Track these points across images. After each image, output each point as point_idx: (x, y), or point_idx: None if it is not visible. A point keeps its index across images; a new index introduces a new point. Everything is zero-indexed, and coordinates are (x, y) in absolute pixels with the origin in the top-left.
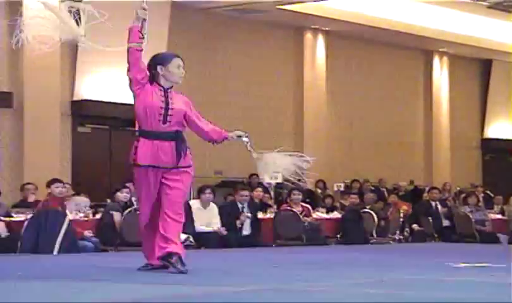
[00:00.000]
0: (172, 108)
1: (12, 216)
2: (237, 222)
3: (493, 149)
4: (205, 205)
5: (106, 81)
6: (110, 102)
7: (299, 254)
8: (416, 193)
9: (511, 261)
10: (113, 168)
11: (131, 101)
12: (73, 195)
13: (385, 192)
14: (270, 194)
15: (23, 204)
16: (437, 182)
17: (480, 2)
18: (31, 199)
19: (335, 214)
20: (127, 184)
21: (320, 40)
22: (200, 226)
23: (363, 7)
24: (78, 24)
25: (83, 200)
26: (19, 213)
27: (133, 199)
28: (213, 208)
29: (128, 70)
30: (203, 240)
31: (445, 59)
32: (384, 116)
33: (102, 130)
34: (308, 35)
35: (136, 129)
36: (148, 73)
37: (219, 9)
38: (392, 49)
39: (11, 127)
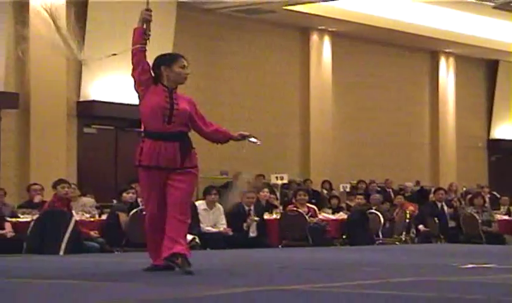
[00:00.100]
0: (176, 109)
1: (18, 217)
2: (244, 225)
3: (500, 150)
4: (210, 206)
5: (112, 82)
6: (116, 103)
7: (305, 255)
8: (422, 194)
9: None
10: (119, 169)
11: (137, 102)
12: (79, 196)
13: (391, 193)
14: (276, 194)
15: (29, 205)
16: (443, 182)
17: (486, 3)
18: (37, 199)
19: (341, 215)
20: (133, 185)
21: (326, 40)
22: (205, 227)
23: (369, 8)
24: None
25: (89, 201)
26: (25, 214)
27: (139, 199)
28: (219, 209)
29: (133, 71)
30: (208, 241)
31: (451, 59)
32: (390, 117)
33: (108, 131)
34: (314, 36)
35: (142, 129)
36: (152, 74)
37: (226, 9)
38: (398, 50)
39: (17, 128)
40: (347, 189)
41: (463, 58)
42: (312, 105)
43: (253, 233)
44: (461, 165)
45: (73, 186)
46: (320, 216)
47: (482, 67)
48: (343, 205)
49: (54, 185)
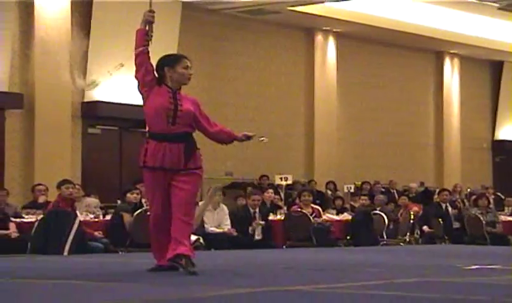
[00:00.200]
0: (180, 110)
1: (21, 217)
2: (250, 229)
3: (504, 151)
4: (215, 206)
5: (116, 83)
6: (120, 103)
7: (309, 255)
8: (427, 195)
9: None
10: (123, 169)
11: (141, 103)
12: (83, 196)
13: (396, 194)
14: (280, 195)
15: (33, 205)
16: (447, 183)
17: (491, 4)
18: (41, 200)
19: (346, 216)
20: (137, 185)
21: (331, 41)
22: (210, 228)
23: (373, 9)
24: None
25: (93, 201)
26: (30, 214)
27: (143, 200)
28: (224, 209)
29: (136, 72)
30: (213, 242)
31: (456, 60)
32: (394, 117)
33: (112, 132)
34: (319, 37)
35: (146, 130)
36: (156, 75)
37: (230, 10)
38: (402, 51)
39: (21, 128)
40: (352, 190)
41: (467, 59)
42: (316, 105)
43: (258, 237)
44: (466, 165)
45: (77, 186)
46: (324, 217)
47: (487, 68)
48: (347, 206)
49: (58, 186)
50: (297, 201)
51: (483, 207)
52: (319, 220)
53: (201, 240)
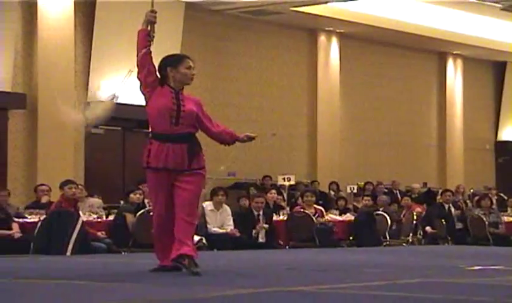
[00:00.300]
0: (183, 110)
1: (24, 217)
2: (253, 232)
3: (507, 152)
4: (217, 207)
5: (120, 83)
6: (123, 103)
7: (312, 256)
8: (430, 195)
9: None
10: (126, 170)
11: (144, 103)
12: (86, 196)
13: (399, 195)
14: (283, 195)
15: (36, 206)
16: (450, 184)
17: (494, 4)
18: (44, 200)
19: (348, 217)
20: (140, 186)
21: (334, 42)
22: (212, 228)
23: (377, 10)
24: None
25: (96, 201)
26: (33, 214)
27: (146, 200)
28: (226, 210)
29: (138, 73)
30: (215, 242)
31: (459, 61)
32: (397, 118)
33: (116, 132)
34: (322, 37)
35: (149, 131)
36: (158, 75)
37: (233, 10)
38: (405, 51)
39: (24, 128)
40: (355, 190)
41: (470, 59)
42: (319, 106)
43: (262, 239)
44: (469, 166)
45: (80, 187)
46: (327, 217)
47: (490, 68)
48: (350, 206)
49: (61, 186)
50: (300, 201)
51: (486, 208)
52: (321, 220)
53: (204, 241)
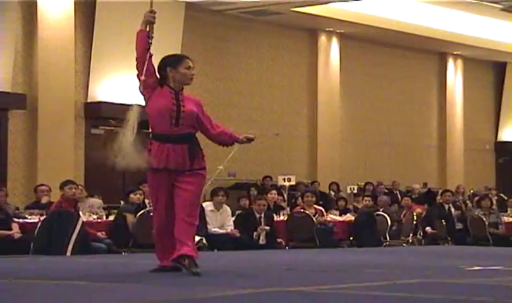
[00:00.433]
0: (183, 111)
1: (23, 218)
2: (255, 234)
3: (507, 152)
4: (218, 207)
5: (120, 83)
6: (124, 104)
7: (312, 256)
8: (430, 196)
9: None
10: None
11: (144, 103)
12: (86, 196)
13: (399, 195)
14: (283, 196)
15: (36, 206)
16: (450, 184)
17: (495, 5)
18: (44, 200)
19: (349, 217)
20: (140, 186)
21: (334, 42)
22: (213, 228)
23: (377, 10)
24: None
25: (97, 201)
26: (33, 215)
27: (146, 201)
28: (227, 210)
29: (138, 74)
30: (216, 242)
31: (459, 61)
32: (397, 118)
33: (116, 132)
34: (322, 38)
35: (149, 131)
36: (157, 76)
37: (234, 11)
38: (406, 52)
39: (24, 128)
40: (355, 191)
41: (470, 60)
42: (320, 106)
43: (262, 242)
44: (469, 167)
45: (80, 187)
46: (327, 218)
47: (490, 69)
48: (350, 207)
49: (61, 186)
50: (300, 201)
51: (486, 209)
52: (321, 219)
53: (204, 241)
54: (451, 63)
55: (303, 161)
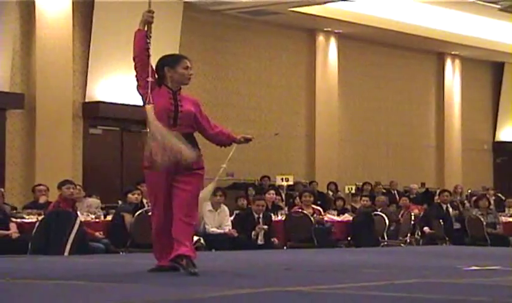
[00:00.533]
0: (181, 111)
1: (23, 217)
2: (253, 234)
3: (505, 152)
4: (216, 207)
5: (118, 83)
6: (121, 104)
7: (310, 256)
8: (428, 196)
9: None
10: (124, 170)
11: (142, 103)
12: (84, 196)
13: (397, 195)
14: (281, 196)
15: (34, 206)
16: (448, 184)
17: (492, 5)
18: (42, 200)
19: (347, 217)
20: (138, 186)
21: (333, 42)
22: (210, 228)
23: (375, 10)
24: None
25: (94, 201)
26: (31, 214)
27: (144, 200)
28: (225, 210)
29: (136, 74)
30: (213, 242)
31: (457, 61)
32: (395, 118)
33: (114, 132)
34: (321, 38)
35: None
36: (156, 76)
37: (232, 11)
38: (404, 52)
39: (22, 128)
40: (353, 191)
41: (468, 60)
42: (318, 106)
43: (260, 242)
44: (467, 167)
45: (78, 187)
46: (325, 218)
47: (488, 69)
48: (348, 207)
49: (59, 186)
50: (298, 201)
51: (483, 209)
52: (318, 217)
53: (202, 241)
54: (449, 63)
55: (301, 161)
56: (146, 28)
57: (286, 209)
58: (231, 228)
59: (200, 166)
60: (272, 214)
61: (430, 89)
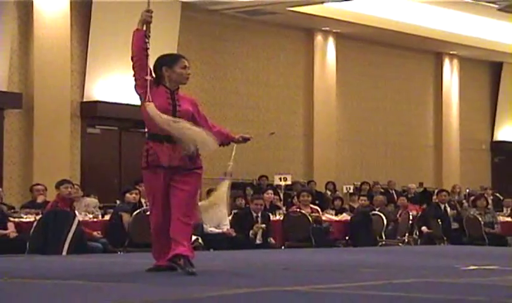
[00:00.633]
0: (179, 110)
1: (21, 217)
2: (251, 233)
3: (503, 152)
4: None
5: (116, 83)
6: (120, 103)
7: (308, 256)
8: (426, 195)
9: None
10: (122, 169)
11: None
12: (82, 196)
13: (395, 194)
14: (279, 195)
15: (32, 205)
16: (446, 184)
17: (491, 5)
18: (40, 200)
19: (345, 216)
20: (137, 185)
21: (331, 42)
22: (208, 228)
23: (373, 10)
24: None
25: (92, 201)
26: (28, 214)
27: (143, 200)
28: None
29: (134, 74)
30: (211, 242)
31: (455, 61)
32: (393, 118)
33: (112, 132)
34: (319, 37)
35: (146, 131)
36: (153, 75)
37: (230, 10)
38: (402, 51)
39: (20, 128)
40: (351, 190)
41: (467, 60)
42: (316, 106)
43: (258, 241)
44: (465, 166)
45: (76, 186)
46: (323, 217)
47: (486, 69)
48: (346, 206)
49: (57, 186)
50: (296, 201)
51: (481, 208)
52: (315, 215)
53: (200, 240)
54: (447, 63)
55: (299, 161)
56: (145, 28)
57: (284, 208)
58: (229, 227)
59: (198, 165)
60: (270, 214)
61: (428, 89)
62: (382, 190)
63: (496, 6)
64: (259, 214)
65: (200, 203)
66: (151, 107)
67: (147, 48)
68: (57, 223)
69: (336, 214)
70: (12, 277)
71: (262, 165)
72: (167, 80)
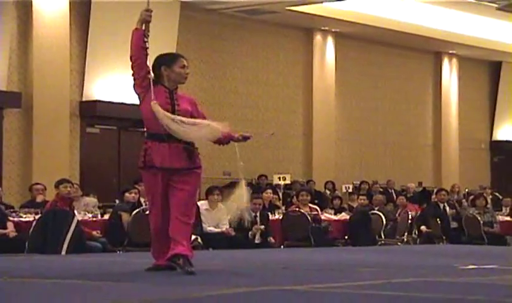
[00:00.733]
0: (178, 110)
1: (20, 216)
2: (250, 233)
3: (502, 151)
4: (213, 206)
5: (115, 82)
6: (119, 103)
7: (307, 255)
8: (425, 195)
9: None
10: (122, 169)
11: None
12: (82, 195)
13: (394, 194)
14: (278, 195)
15: (31, 205)
16: (445, 183)
17: (490, 4)
18: (39, 199)
19: (344, 216)
20: (136, 185)
21: (330, 41)
22: (208, 227)
23: (372, 9)
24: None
25: (92, 200)
26: (28, 213)
27: (142, 199)
28: (222, 209)
29: (133, 73)
30: (211, 241)
31: (454, 60)
32: (393, 117)
33: (111, 131)
34: (318, 37)
35: (145, 130)
36: (152, 75)
37: (229, 10)
38: (401, 51)
39: (19, 127)
40: (350, 190)
41: (466, 59)
42: (315, 105)
43: (258, 241)
44: (464, 166)
45: (75, 186)
46: (322, 217)
47: (485, 68)
48: (345, 206)
49: (57, 185)
50: (295, 200)
51: (481, 208)
52: (313, 213)
53: (199, 240)
54: (446, 62)
55: (298, 160)
56: (144, 27)
57: (283, 208)
58: (228, 227)
59: (197, 165)
60: (269, 213)
61: (427, 88)
62: (381, 190)
63: (495, 5)
64: (258, 214)
65: (225, 205)
66: (157, 106)
67: (146, 48)
68: (56, 223)
69: (335, 214)
70: (12, 276)
71: (261, 165)
72: (166, 79)
